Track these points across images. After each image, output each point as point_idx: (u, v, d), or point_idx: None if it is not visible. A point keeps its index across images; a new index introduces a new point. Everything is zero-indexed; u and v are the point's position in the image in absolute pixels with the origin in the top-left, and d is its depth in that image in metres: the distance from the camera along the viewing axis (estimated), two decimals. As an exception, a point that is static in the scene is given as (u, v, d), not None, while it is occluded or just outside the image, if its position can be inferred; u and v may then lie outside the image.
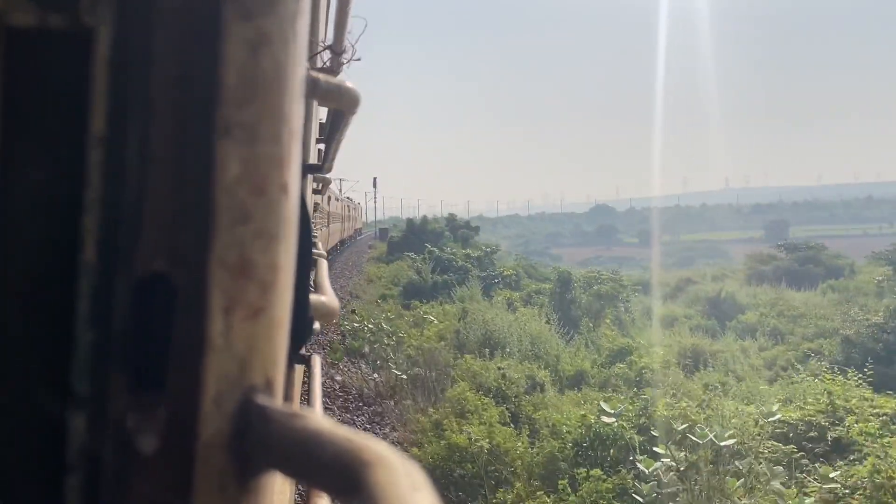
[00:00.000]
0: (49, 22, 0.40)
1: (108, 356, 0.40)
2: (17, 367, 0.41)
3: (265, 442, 0.38)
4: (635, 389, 9.91)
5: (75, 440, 0.40)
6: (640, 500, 5.79)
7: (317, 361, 1.79)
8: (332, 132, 1.26)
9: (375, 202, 60.38)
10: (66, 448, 0.40)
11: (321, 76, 0.79)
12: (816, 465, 7.09)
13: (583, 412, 8.01)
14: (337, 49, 1.62)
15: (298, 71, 0.44)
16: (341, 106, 0.89)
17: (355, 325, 12.72)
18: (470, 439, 7.04)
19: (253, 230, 0.40)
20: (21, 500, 0.41)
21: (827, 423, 8.15)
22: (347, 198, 33.48)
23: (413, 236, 31.21)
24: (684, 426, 6.27)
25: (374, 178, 60.08)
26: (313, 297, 1.05)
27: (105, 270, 0.41)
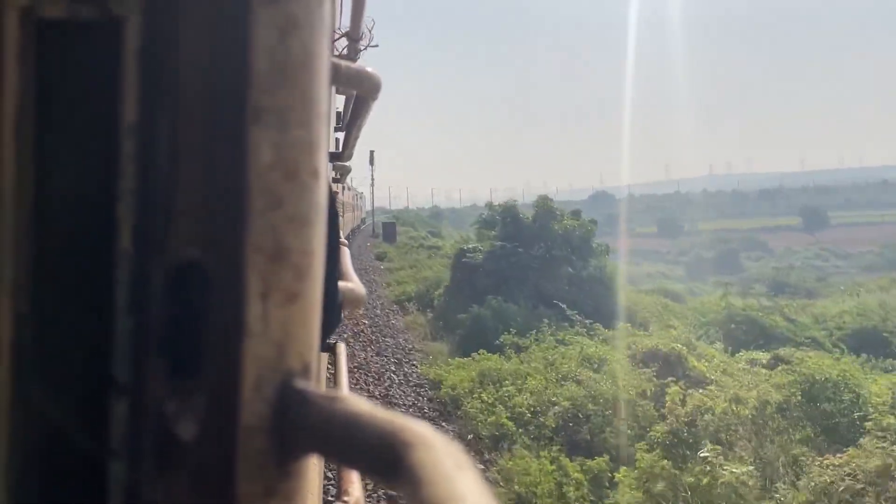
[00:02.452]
0: (79, 13, 0.41)
1: (146, 343, 0.41)
2: (59, 356, 0.42)
3: (305, 425, 0.38)
4: None
5: (117, 427, 0.41)
6: None
7: (342, 349, 1.80)
8: (353, 119, 1.26)
9: (373, 186, 43.26)
10: (109, 435, 0.41)
11: (342, 62, 0.79)
12: None
13: None
14: (354, 35, 1.61)
15: (325, 55, 0.44)
16: (363, 91, 0.89)
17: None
18: None
19: (286, 215, 0.40)
20: (66, 487, 0.42)
21: None
22: (354, 187, 29.98)
23: (523, 246, 13.78)
24: None
25: (371, 152, 40.16)
26: (340, 284, 1.05)
27: (141, 258, 0.41)
